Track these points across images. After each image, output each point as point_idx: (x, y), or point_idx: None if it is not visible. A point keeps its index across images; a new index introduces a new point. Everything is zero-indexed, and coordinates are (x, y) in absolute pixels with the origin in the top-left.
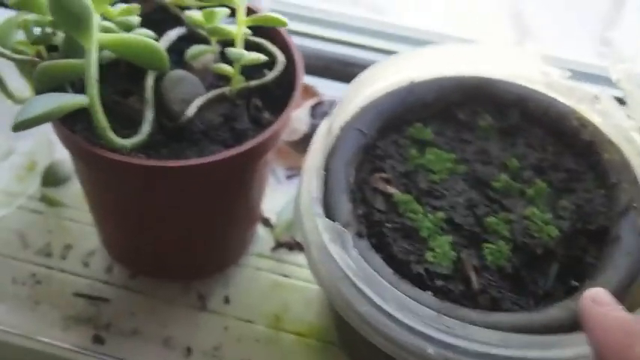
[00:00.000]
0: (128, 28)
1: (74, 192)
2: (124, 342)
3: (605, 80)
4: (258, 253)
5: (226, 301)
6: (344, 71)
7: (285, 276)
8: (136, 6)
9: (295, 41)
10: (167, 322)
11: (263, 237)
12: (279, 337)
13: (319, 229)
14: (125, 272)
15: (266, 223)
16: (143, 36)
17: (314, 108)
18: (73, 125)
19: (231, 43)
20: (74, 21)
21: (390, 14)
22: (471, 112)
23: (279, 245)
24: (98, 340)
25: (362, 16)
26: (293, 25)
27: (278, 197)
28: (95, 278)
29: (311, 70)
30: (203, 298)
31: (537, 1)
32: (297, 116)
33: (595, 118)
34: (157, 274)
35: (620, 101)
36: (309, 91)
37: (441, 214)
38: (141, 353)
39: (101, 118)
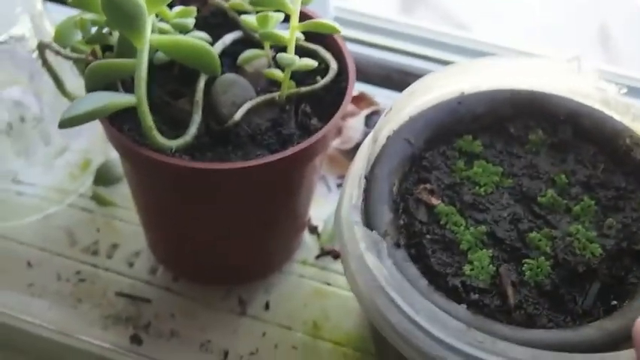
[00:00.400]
0: (183, 30)
1: (125, 192)
2: (162, 343)
3: None
4: (303, 260)
5: (267, 307)
6: (405, 81)
7: (328, 284)
8: (192, 8)
9: (357, 50)
10: (206, 326)
11: (309, 244)
12: (316, 345)
13: (357, 237)
14: (168, 275)
15: (313, 230)
16: (197, 39)
17: (369, 117)
18: (121, 124)
19: (284, 48)
20: (127, 20)
21: (473, 29)
22: (522, 126)
23: (323, 253)
24: (136, 340)
25: (429, 27)
26: (356, 34)
27: (327, 205)
28: (138, 279)
29: (372, 79)
30: (244, 303)
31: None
32: (352, 125)
33: None
34: (199, 278)
35: None
36: (365, 100)
37: (483, 228)
38: (178, 355)
39: (147, 117)
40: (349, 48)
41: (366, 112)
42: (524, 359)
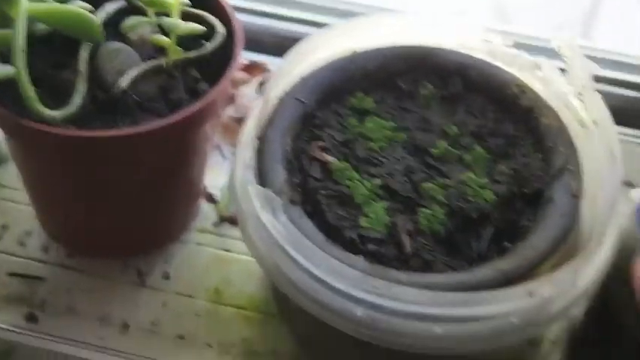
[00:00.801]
0: None
1: (12, 172)
2: (59, 320)
3: (549, 52)
4: (201, 228)
5: (166, 277)
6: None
7: (227, 250)
8: None
9: (250, 19)
10: (104, 300)
11: (207, 213)
12: (219, 311)
13: (251, 196)
14: (62, 251)
15: (210, 199)
16: (77, 6)
17: (262, 85)
18: (2, 99)
19: (169, 15)
20: None
21: None
22: (412, 81)
23: (222, 220)
24: (32, 318)
25: None
26: (248, 4)
27: (223, 174)
28: (31, 258)
29: (265, 48)
30: (142, 274)
31: None
32: (245, 93)
33: (536, 85)
34: (94, 253)
35: (563, 71)
36: (258, 68)
37: (377, 181)
38: (76, 330)
39: (27, 88)
40: (241, 18)
41: (258, 79)
42: (418, 301)
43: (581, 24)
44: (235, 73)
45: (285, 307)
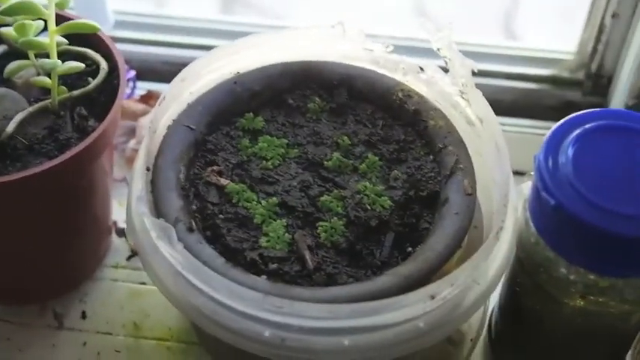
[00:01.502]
0: None
1: None
2: None
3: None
4: (114, 263)
5: (83, 316)
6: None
7: (143, 283)
8: None
9: (144, 50)
10: (23, 346)
11: (119, 247)
12: (139, 345)
13: (147, 228)
14: None
15: (120, 233)
16: None
17: None
18: None
19: (49, 55)
20: None
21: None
22: (300, 96)
23: (134, 254)
24: None
25: (213, 18)
26: (140, 35)
27: None
28: None
29: (161, 77)
30: (59, 316)
31: None
32: (145, 124)
33: (421, 88)
34: (9, 300)
35: (446, 70)
36: (154, 97)
37: (274, 200)
38: None
39: None
40: (135, 49)
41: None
42: (321, 316)
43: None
44: (133, 104)
45: (203, 336)
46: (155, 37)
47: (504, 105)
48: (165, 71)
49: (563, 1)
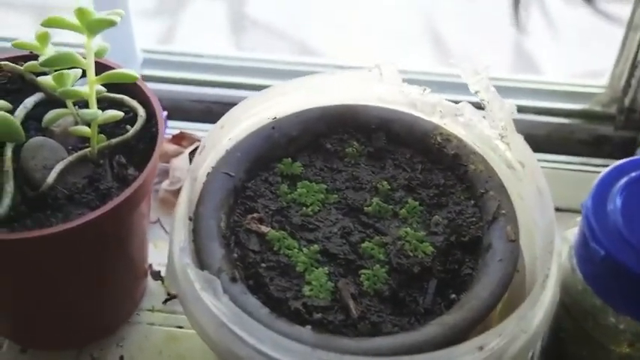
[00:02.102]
0: None
1: None
2: None
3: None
4: (151, 307)
5: None
6: (225, 112)
7: (180, 327)
8: None
9: (173, 88)
10: None
11: (155, 290)
12: None
13: (191, 278)
14: (15, 348)
15: (156, 276)
16: None
17: (193, 154)
18: None
19: (88, 103)
20: None
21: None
22: (337, 141)
23: (170, 297)
24: None
25: (242, 55)
26: (169, 73)
27: (167, 248)
28: None
29: (192, 116)
30: None
31: None
32: (178, 165)
33: (460, 131)
34: (47, 346)
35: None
36: (187, 138)
37: (316, 247)
38: None
39: None
40: (164, 87)
41: (190, 149)
42: None
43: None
44: (166, 145)
45: None
46: (183, 75)
47: (537, 140)
48: (194, 109)
49: (576, 24)
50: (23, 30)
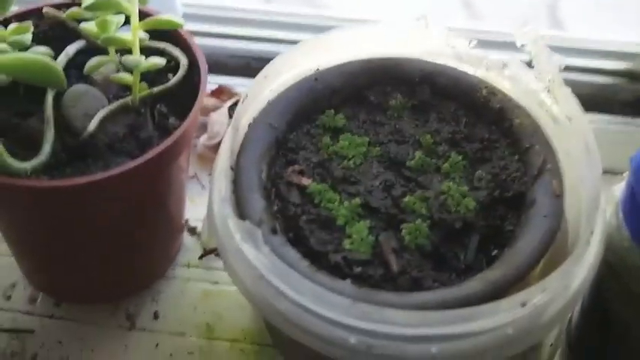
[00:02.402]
0: (21, 46)
1: None
2: None
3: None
4: (186, 263)
5: (155, 316)
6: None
7: (216, 283)
8: (27, 24)
9: (213, 43)
10: (95, 347)
11: (190, 246)
12: (212, 346)
13: (231, 230)
14: (50, 301)
15: (192, 231)
16: (37, 54)
17: (232, 108)
18: None
19: (130, 51)
20: None
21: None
22: (381, 94)
23: (206, 253)
24: None
25: (279, 10)
26: (209, 28)
27: (203, 204)
28: (18, 310)
29: (231, 71)
30: (131, 316)
31: None
32: (217, 119)
33: (505, 85)
34: (82, 299)
35: (530, 65)
36: (226, 92)
37: (357, 200)
38: None
39: None
40: (204, 42)
41: (228, 104)
42: (410, 323)
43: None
44: (205, 99)
45: (278, 338)
46: (223, 30)
47: (580, 100)
48: (234, 64)
49: None
50: None
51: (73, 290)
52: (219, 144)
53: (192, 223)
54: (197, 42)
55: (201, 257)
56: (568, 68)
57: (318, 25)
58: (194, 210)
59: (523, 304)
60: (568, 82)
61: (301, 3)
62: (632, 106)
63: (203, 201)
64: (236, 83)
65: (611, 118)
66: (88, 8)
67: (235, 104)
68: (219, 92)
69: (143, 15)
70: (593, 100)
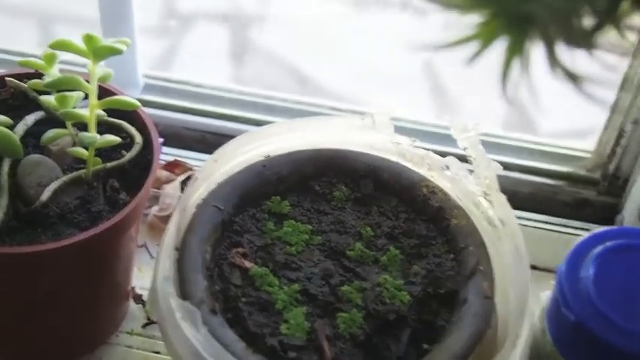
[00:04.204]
0: None
1: None
2: None
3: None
4: (130, 330)
5: None
6: (220, 142)
7: (157, 353)
8: None
9: (170, 115)
10: None
11: (135, 313)
12: None
13: (172, 308)
14: None
15: (138, 299)
16: None
17: (185, 182)
18: None
19: (86, 127)
20: None
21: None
22: (326, 184)
23: (150, 322)
24: None
25: (241, 89)
26: (168, 100)
27: (151, 273)
28: None
29: (187, 144)
30: None
31: None
32: (169, 192)
33: (445, 184)
34: None
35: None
36: (180, 166)
37: (296, 286)
38: None
39: None
40: (160, 114)
41: (181, 177)
42: None
43: None
44: (158, 172)
45: None
46: (182, 104)
47: (520, 198)
48: (190, 137)
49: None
50: (29, 37)
51: (17, 352)
52: (169, 215)
53: (138, 291)
54: (156, 113)
55: (144, 326)
56: (511, 167)
57: (276, 105)
58: (140, 278)
59: None
60: (510, 180)
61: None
62: (571, 208)
63: (149, 269)
64: (191, 157)
65: (550, 218)
66: (49, 86)
67: (188, 178)
68: (174, 166)
69: (103, 92)
70: (533, 199)
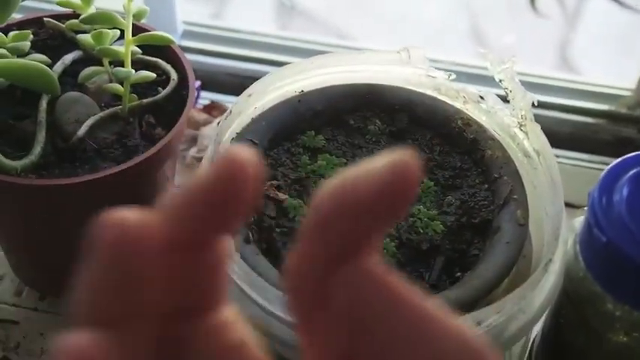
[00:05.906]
0: (20, 53)
1: None
2: None
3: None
4: None
5: None
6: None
7: None
8: (27, 32)
9: (208, 61)
10: None
11: None
12: None
13: None
14: (34, 294)
15: None
16: (34, 61)
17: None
18: None
19: (123, 63)
20: None
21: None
22: (361, 118)
23: None
24: None
25: (278, 34)
26: (204, 46)
27: None
28: (4, 302)
29: (225, 89)
30: None
31: None
32: (207, 133)
33: (480, 117)
34: (65, 294)
35: (505, 99)
36: (218, 108)
37: None
38: None
39: None
40: (201, 60)
41: (219, 119)
42: None
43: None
44: (196, 114)
45: None
46: (220, 49)
47: (560, 137)
48: (229, 82)
49: (622, 31)
50: None
51: (58, 284)
52: None
53: None
54: (195, 59)
55: None
56: (551, 106)
57: (315, 50)
58: None
59: (478, 323)
60: (550, 120)
61: (326, 33)
62: (612, 146)
63: None
64: (229, 100)
65: (591, 156)
66: (85, 21)
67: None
68: (211, 108)
69: (138, 30)
70: (574, 138)
